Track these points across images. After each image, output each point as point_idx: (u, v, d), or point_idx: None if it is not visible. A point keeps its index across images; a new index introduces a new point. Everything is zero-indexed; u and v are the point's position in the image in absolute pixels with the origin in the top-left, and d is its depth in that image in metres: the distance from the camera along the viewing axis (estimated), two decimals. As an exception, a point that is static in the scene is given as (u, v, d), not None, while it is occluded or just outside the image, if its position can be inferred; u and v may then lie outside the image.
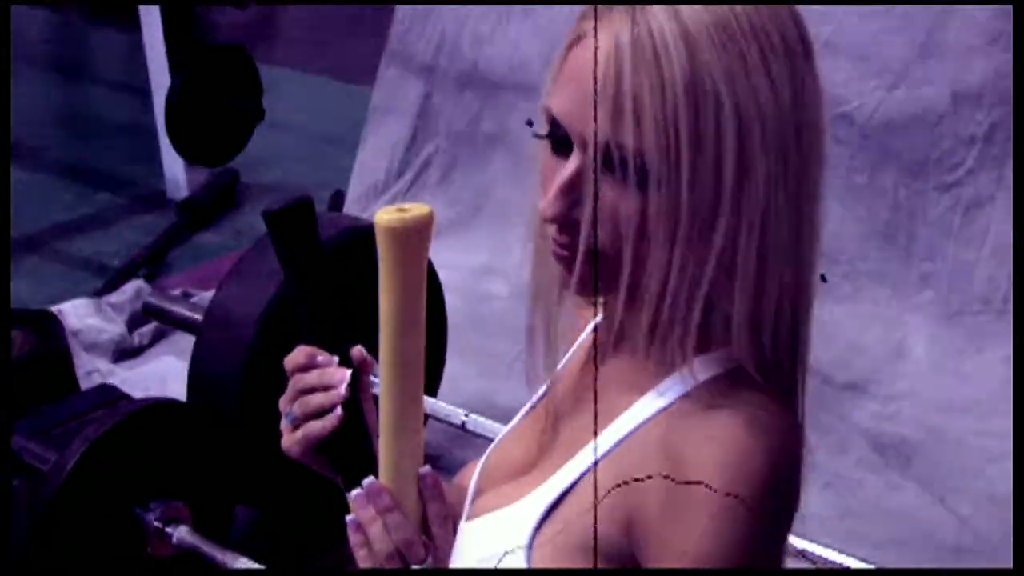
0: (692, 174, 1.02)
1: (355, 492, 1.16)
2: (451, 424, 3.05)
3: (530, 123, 1.12)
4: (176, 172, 5.10)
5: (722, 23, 1.02)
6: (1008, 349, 3.61)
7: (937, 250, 3.72)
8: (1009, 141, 3.64)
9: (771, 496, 1.03)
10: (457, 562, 1.16)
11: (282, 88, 5.72)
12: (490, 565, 1.13)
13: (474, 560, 1.15)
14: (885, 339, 3.64)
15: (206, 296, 3.93)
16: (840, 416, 3.45)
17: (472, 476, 1.27)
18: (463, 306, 3.57)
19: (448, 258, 3.57)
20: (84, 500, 2.63)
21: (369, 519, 1.15)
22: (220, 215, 5.02)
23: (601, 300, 1.16)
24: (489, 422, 2.98)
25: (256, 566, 2.65)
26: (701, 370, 1.08)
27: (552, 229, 1.09)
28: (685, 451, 1.04)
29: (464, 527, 1.20)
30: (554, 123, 1.08)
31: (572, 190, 1.06)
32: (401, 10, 4.72)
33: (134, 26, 5.22)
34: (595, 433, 1.09)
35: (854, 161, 3.72)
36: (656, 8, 1.02)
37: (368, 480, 1.15)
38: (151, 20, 4.94)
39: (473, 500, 1.23)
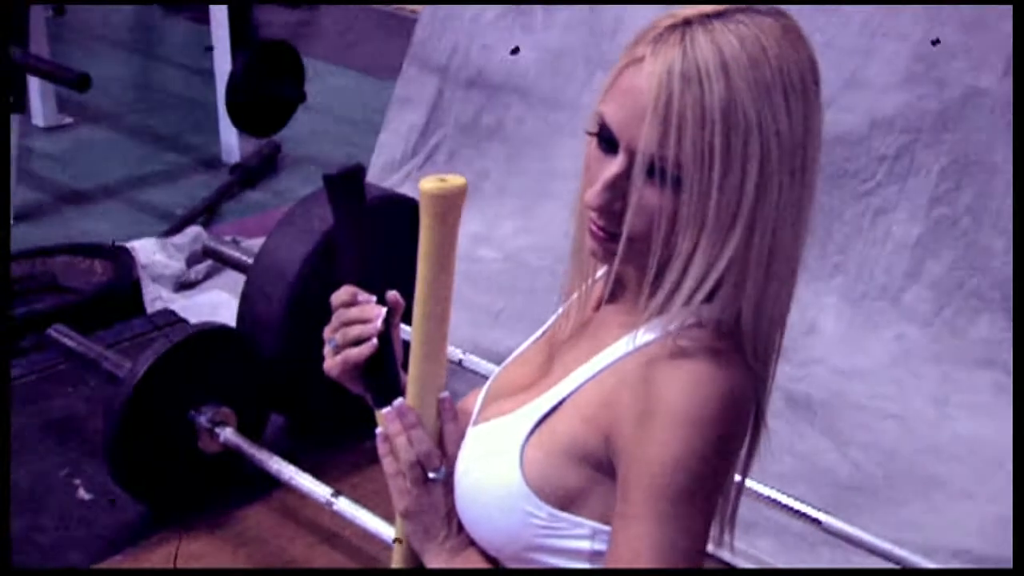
0: (720, 185, 1.01)
1: (386, 410, 1.15)
2: (451, 361, 3.04)
3: (594, 134, 1.08)
4: (230, 140, 5.08)
5: (755, 62, 1.00)
6: (898, 329, 3.62)
7: (848, 246, 3.72)
8: (913, 163, 3.63)
9: (724, 419, 1.02)
10: (463, 461, 1.15)
11: (321, 78, 5.69)
12: (488, 462, 1.12)
13: (476, 456, 1.14)
14: (802, 315, 3.64)
15: (252, 243, 3.91)
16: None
17: (475, 400, 1.26)
18: (459, 266, 3.52)
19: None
20: (150, 402, 2.63)
21: (396, 432, 1.15)
22: (264, 178, 5.00)
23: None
24: (481, 360, 2.98)
25: (284, 464, 2.64)
26: (680, 319, 1.06)
27: (593, 214, 1.08)
28: (656, 377, 1.03)
29: (471, 431, 1.19)
30: (603, 126, 1.06)
31: (615, 187, 1.05)
32: (423, 20, 4.69)
33: (204, 20, 5.20)
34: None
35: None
36: (703, 43, 1.00)
37: (398, 400, 1.15)
38: (219, 16, 4.93)
39: (480, 410, 1.22)
